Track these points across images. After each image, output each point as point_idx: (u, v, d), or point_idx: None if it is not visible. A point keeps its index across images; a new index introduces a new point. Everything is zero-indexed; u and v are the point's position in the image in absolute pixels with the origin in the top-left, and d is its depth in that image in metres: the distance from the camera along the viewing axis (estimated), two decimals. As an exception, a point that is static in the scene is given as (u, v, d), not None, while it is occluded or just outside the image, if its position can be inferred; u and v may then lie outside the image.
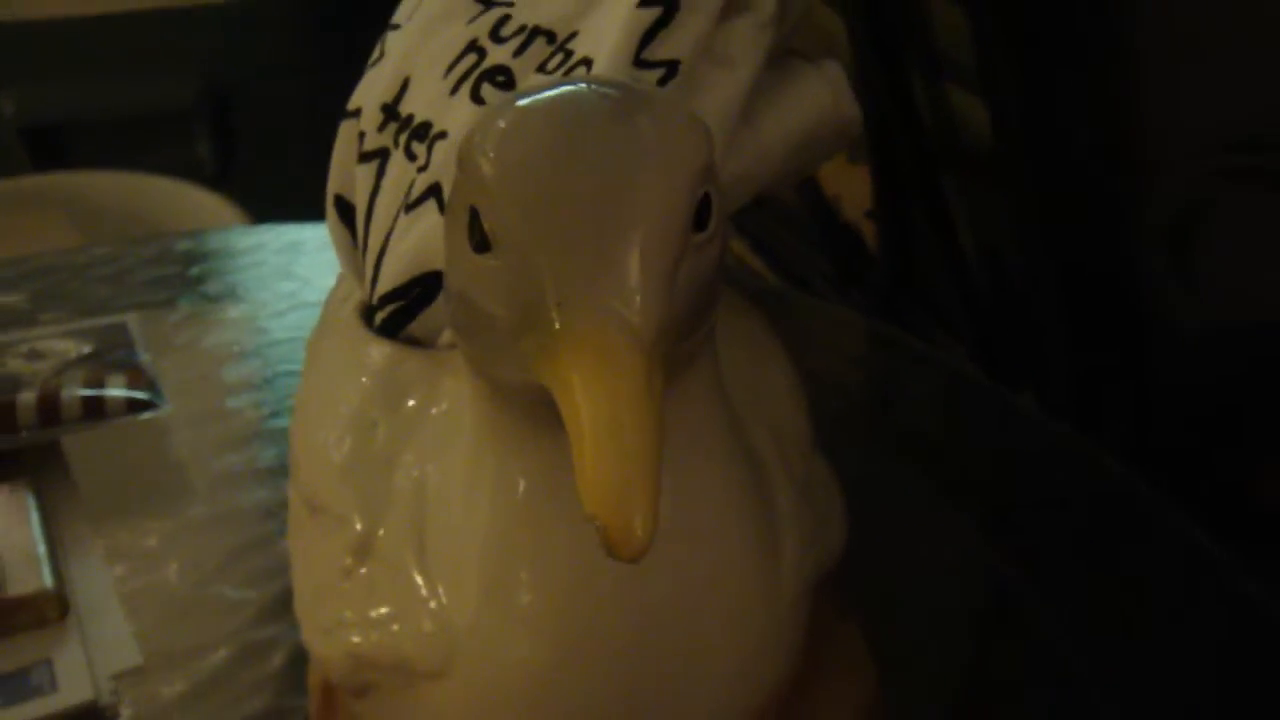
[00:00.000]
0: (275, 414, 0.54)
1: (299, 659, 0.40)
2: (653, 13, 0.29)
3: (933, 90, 0.58)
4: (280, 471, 0.50)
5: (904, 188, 0.65)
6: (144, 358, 0.54)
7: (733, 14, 0.30)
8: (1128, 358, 0.56)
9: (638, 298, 0.19)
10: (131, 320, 0.58)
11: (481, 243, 0.21)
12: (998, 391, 0.55)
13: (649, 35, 0.29)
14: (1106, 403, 0.58)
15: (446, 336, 0.30)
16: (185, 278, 0.66)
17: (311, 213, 0.74)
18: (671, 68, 0.29)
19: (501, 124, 0.22)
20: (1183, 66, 0.50)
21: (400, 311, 0.31)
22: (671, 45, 0.29)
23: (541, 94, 0.22)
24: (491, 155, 0.21)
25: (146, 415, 0.50)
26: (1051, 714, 0.37)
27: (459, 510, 0.26)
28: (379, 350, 0.31)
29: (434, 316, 0.30)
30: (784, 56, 0.33)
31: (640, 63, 0.29)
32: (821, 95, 0.32)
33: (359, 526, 0.28)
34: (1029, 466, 0.49)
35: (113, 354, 0.54)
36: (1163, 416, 0.57)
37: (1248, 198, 0.49)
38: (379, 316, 0.31)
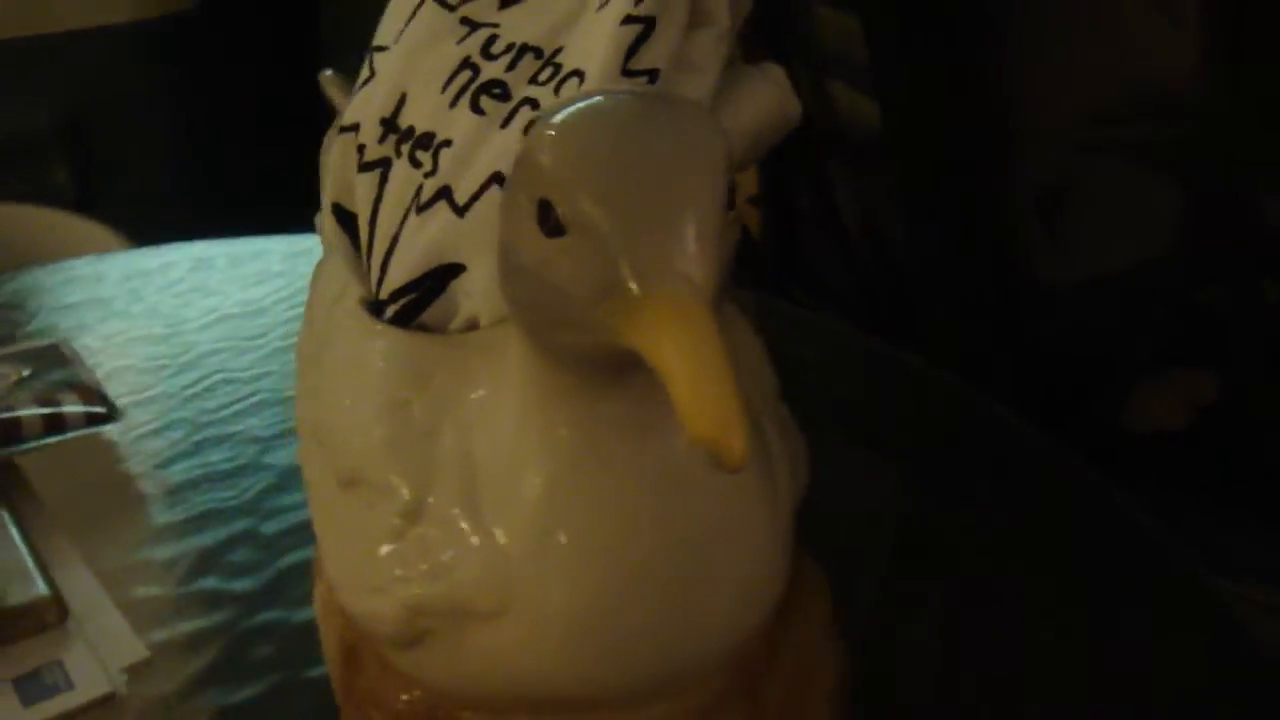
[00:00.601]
0: (218, 420, 0.56)
1: (297, 637, 0.42)
2: (635, 29, 0.33)
3: (815, 84, 0.63)
4: (236, 471, 0.52)
5: (789, 175, 0.70)
6: (89, 374, 0.56)
7: (696, 26, 0.34)
8: (1006, 314, 0.62)
9: (701, 263, 0.23)
10: (63, 341, 0.59)
11: (555, 228, 0.24)
12: (890, 352, 0.59)
13: (632, 49, 0.33)
14: (989, 356, 0.64)
15: (459, 322, 0.34)
16: (101, 300, 0.68)
17: (181, 234, 0.76)
18: (653, 76, 0.33)
19: (566, 128, 0.25)
20: (1049, 51, 0.56)
21: (413, 304, 0.34)
22: (652, 56, 0.33)
23: (593, 101, 0.26)
24: (563, 154, 0.25)
25: (106, 428, 0.52)
26: (964, 629, 0.42)
27: (507, 466, 0.29)
28: (397, 337, 0.34)
29: (444, 306, 0.34)
30: (731, 63, 0.37)
31: (627, 72, 0.33)
32: (769, 94, 0.36)
33: (406, 494, 0.31)
34: (928, 414, 0.54)
35: (53, 374, 0.56)
36: (1039, 363, 0.63)
37: (1108, 166, 0.55)
38: (391, 309, 0.34)
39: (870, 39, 0.58)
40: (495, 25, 0.36)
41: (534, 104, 0.33)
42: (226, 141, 1.31)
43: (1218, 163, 0.55)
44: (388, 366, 0.33)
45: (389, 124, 0.36)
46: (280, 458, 0.53)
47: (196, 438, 0.55)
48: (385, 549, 0.31)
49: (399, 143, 0.35)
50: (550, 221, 0.25)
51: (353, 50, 0.40)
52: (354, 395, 0.33)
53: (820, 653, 0.36)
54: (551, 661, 0.30)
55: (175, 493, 0.51)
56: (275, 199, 0.78)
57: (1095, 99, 0.55)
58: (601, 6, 0.34)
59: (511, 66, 0.34)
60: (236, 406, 0.57)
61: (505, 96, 0.34)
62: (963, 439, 0.52)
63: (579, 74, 0.33)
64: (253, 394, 0.58)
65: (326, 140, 0.40)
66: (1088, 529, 0.47)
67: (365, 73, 0.38)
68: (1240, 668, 0.41)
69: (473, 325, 0.33)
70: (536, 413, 0.29)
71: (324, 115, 0.41)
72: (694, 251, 0.23)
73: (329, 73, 0.44)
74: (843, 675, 0.36)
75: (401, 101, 0.36)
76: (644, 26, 0.33)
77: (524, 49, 0.35)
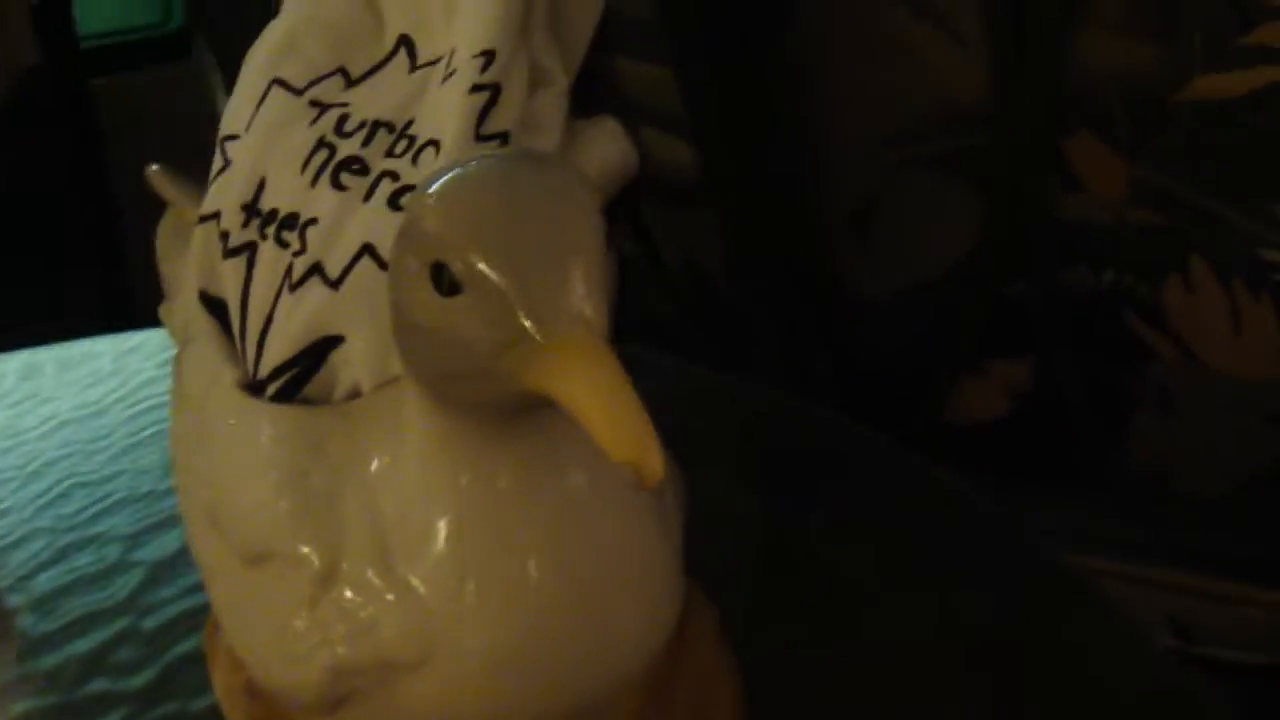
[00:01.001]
0: (78, 525, 0.55)
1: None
2: (483, 96, 0.34)
3: (629, 130, 0.66)
4: (105, 572, 0.52)
5: (610, 221, 0.73)
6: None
7: (537, 87, 0.36)
8: (831, 329, 0.66)
9: (593, 304, 0.25)
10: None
11: (452, 288, 0.26)
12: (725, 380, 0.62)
13: (482, 115, 0.34)
14: (812, 368, 0.67)
15: (341, 391, 0.34)
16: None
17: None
18: (504, 138, 0.35)
19: (448, 194, 0.27)
20: (849, 77, 0.60)
21: (294, 380, 0.35)
22: (500, 120, 0.35)
23: (468, 167, 0.27)
24: (449, 218, 0.26)
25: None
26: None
27: (414, 519, 0.31)
28: (284, 412, 0.35)
29: (325, 379, 0.35)
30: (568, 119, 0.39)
31: (480, 138, 0.34)
32: (609, 146, 0.38)
33: (317, 561, 0.32)
34: (761, 427, 0.57)
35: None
36: (867, 371, 0.67)
37: (912, 180, 0.59)
38: (272, 387, 0.35)
39: (677, 84, 0.61)
40: (345, 105, 0.37)
41: (394, 176, 0.35)
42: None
43: (1009, 168, 0.59)
44: (280, 441, 0.34)
45: (250, 209, 0.37)
46: (149, 553, 0.53)
47: (59, 544, 0.54)
48: (302, 618, 0.32)
49: (263, 226, 0.36)
50: (445, 283, 0.26)
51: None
52: (249, 474, 0.34)
53: (717, 667, 0.38)
54: (475, 703, 0.31)
55: (46, 602, 0.50)
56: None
57: (895, 118, 0.59)
58: (446, 79, 0.36)
59: (366, 142, 0.36)
60: (94, 509, 0.56)
61: (364, 171, 0.35)
62: (806, 454, 0.55)
63: (434, 143, 0.35)
64: (108, 494, 0.57)
65: (160, 231, 0.42)
66: (940, 524, 0.50)
67: (219, 162, 0.38)
68: (1116, 645, 0.44)
69: (355, 394, 0.34)
70: (437, 463, 0.30)
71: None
72: (585, 294, 0.25)
73: (156, 167, 0.44)
74: (738, 689, 0.38)
75: (261, 186, 0.37)
76: (491, 93, 0.35)
77: (376, 124, 0.36)
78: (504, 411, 0.28)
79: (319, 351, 0.34)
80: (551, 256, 0.26)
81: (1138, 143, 0.56)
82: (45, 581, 0.51)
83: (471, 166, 0.28)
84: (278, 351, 0.35)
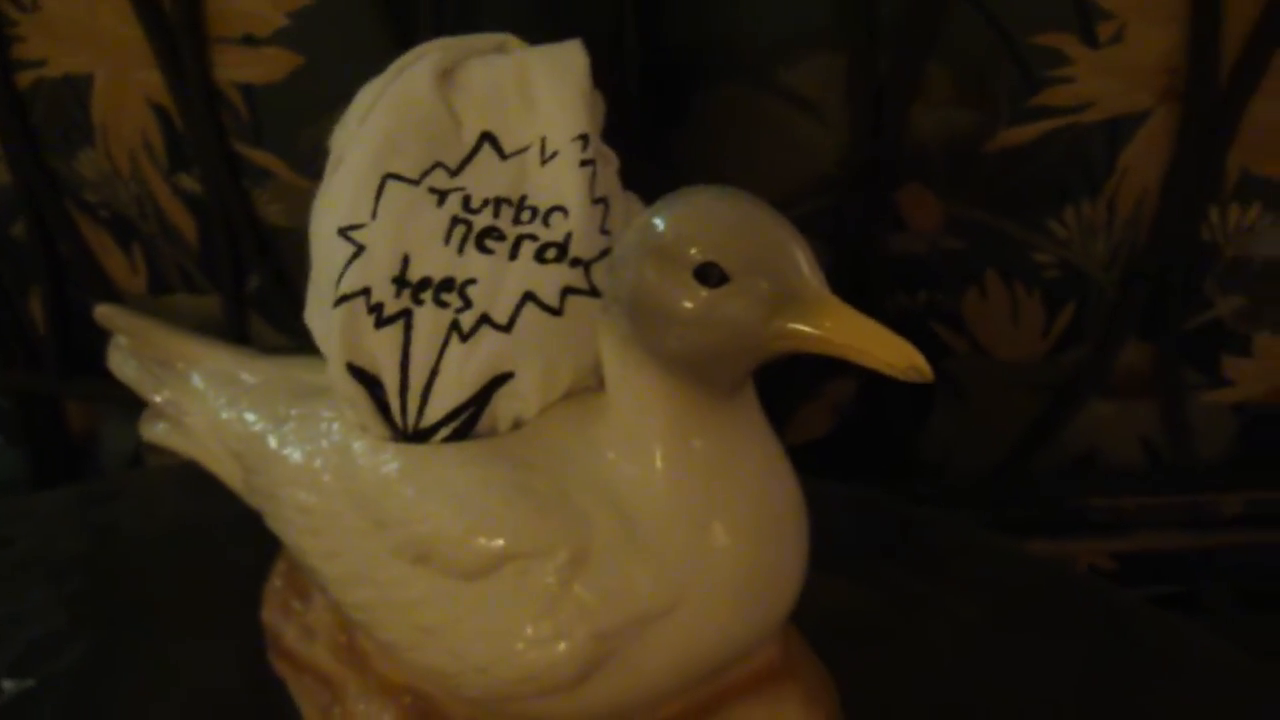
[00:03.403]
0: None
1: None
2: (590, 170, 0.42)
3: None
4: None
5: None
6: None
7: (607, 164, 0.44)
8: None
9: (821, 275, 0.34)
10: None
11: (720, 280, 0.33)
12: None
13: (591, 184, 0.42)
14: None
15: (505, 425, 0.40)
16: None
17: None
18: (606, 202, 0.42)
19: (703, 216, 0.35)
20: (736, 152, 0.68)
21: (469, 419, 0.40)
22: (602, 188, 0.43)
23: (694, 198, 0.36)
24: (715, 230, 0.34)
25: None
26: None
27: (653, 487, 0.37)
28: (474, 445, 0.39)
29: (488, 418, 0.40)
30: None
31: (595, 201, 0.42)
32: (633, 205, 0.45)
33: (569, 548, 0.37)
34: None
35: None
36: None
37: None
38: (446, 429, 0.40)
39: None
40: (462, 188, 0.43)
41: (532, 238, 0.42)
42: None
43: (855, 221, 0.72)
44: (487, 465, 0.39)
45: (400, 281, 0.41)
46: None
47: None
48: (555, 602, 0.37)
49: (415, 293, 0.41)
50: (714, 277, 0.34)
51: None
52: (460, 502, 0.38)
53: (815, 659, 0.46)
54: (708, 639, 0.38)
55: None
56: None
57: (767, 184, 0.68)
58: (548, 159, 0.43)
59: (496, 215, 0.42)
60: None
61: (501, 237, 0.42)
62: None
63: (559, 209, 0.42)
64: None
65: (117, 366, 0.49)
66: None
67: (346, 249, 0.42)
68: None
69: (518, 425, 0.40)
70: (671, 438, 0.37)
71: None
72: (815, 268, 0.34)
73: (105, 306, 0.50)
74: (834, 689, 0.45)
75: (406, 261, 0.41)
76: (593, 168, 0.43)
77: (498, 201, 0.43)
78: (730, 386, 0.36)
79: (488, 392, 0.40)
80: (791, 247, 0.34)
81: (954, 185, 0.71)
82: None
83: (697, 197, 0.36)
84: (452, 397, 0.40)
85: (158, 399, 0.49)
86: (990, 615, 0.57)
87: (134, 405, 0.81)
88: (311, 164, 0.71)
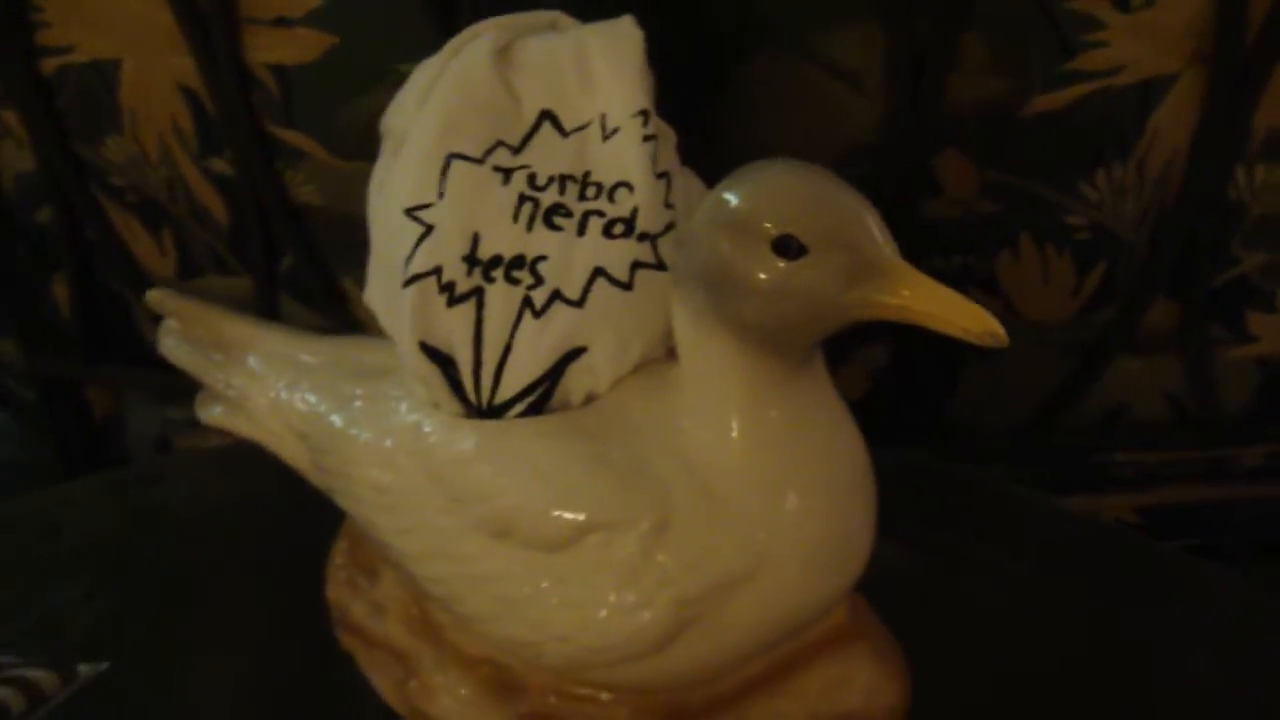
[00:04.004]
0: None
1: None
2: (652, 145, 0.43)
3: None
4: None
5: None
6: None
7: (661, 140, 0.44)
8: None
9: (893, 243, 0.35)
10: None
11: (799, 251, 0.34)
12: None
13: (653, 159, 0.43)
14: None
15: (576, 400, 0.40)
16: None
17: None
18: (668, 176, 0.43)
19: (781, 190, 0.35)
20: (771, 121, 0.68)
21: (543, 395, 0.40)
22: (663, 163, 0.43)
23: (766, 172, 0.36)
24: (794, 203, 0.35)
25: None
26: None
27: (731, 456, 0.38)
28: (551, 420, 0.40)
29: (561, 393, 0.40)
30: None
31: (658, 175, 0.43)
32: (695, 184, 0.46)
33: (651, 517, 0.37)
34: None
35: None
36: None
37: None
38: (521, 404, 0.40)
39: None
40: (526, 166, 0.43)
41: (599, 214, 0.42)
42: None
43: (893, 188, 0.72)
44: (564, 439, 0.39)
45: (471, 259, 0.42)
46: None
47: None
48: (635, 570, 0.37)
49: (486, 271, 0.41)
50: (793, 249, 0.34)
51: None
52: (541, 477, 0.39)
53: (883, 629, 0.46)
54: (788, 602, 0.39)
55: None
56: None
57: (805, 154, 0.68)
58: (609, 136, 0.43)
59: (561, 192, 0.43)
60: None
61: (569, 214, 0.42)
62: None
63: (625, 184, 0.43)
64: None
65: (170, 349, 0.49)
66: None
67: (415, 230, 0.42)
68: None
69: (591, 399, 0.41)
70: (746, 407, 0.37)
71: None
72: (888, 237, 0.35)
73: (157, 290, 0.50)
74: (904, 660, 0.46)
75: (475, 239, 0.42)
76: (655, 144, 0.43)
77: (563, 178, 0.43)
78: (798, 358, 0.37)
79: (561, 367, 0.40)
80: (862, 218, 0.35)
81: (989, 151, 0.72)
82: None
83: (768, 174, 0.36)
84: (526, 372, 0.41)
85: (215, 382, 0.49)
86: (1038, 571, 0.58)
87: (158, 390, 0.82)
88: (346, 143, 0.72)
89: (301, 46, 0.72)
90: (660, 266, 0.41)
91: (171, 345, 0.50)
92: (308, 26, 0.72)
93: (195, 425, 0.93)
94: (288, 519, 0.57)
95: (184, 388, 0.91)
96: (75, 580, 0.58)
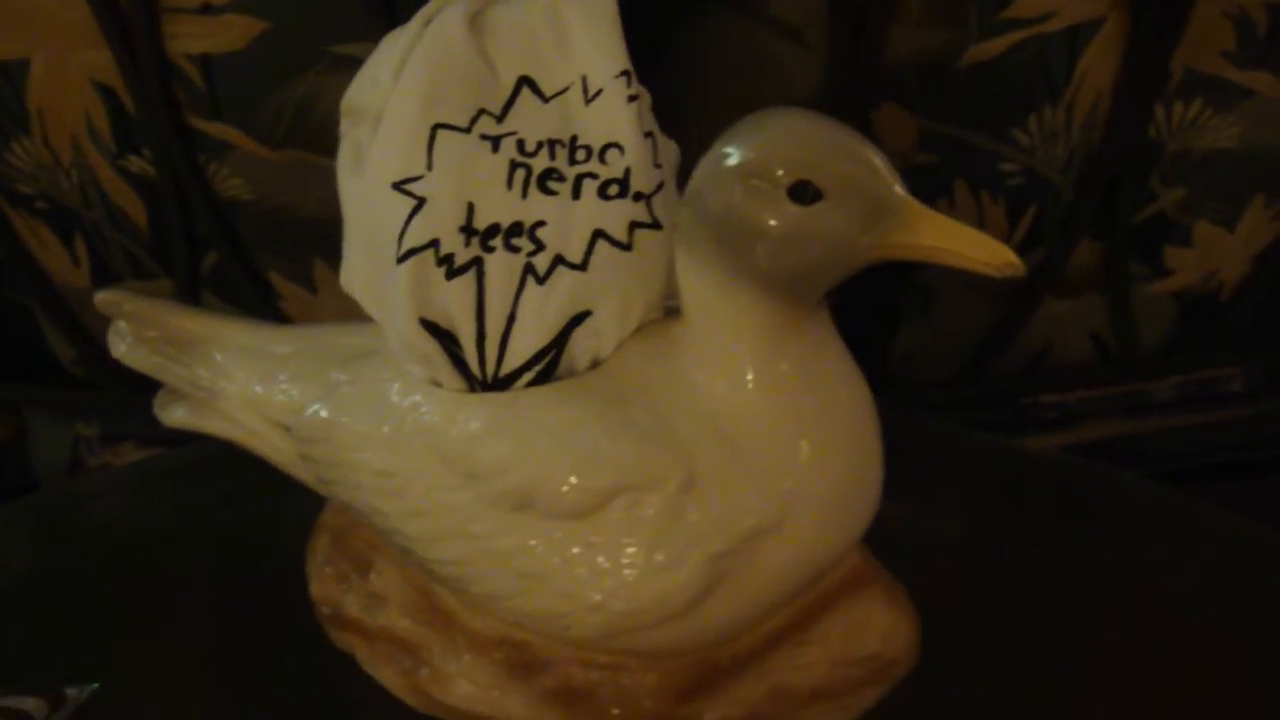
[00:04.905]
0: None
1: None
2: (636, 104, 0.43)
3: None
4: None
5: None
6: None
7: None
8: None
9: (903, 184, 0.35)
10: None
11: (815, 197, 0.35)
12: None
13: (639, 118, 0.43)
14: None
15: (582, 366, 0.41)
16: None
17: None
18: (651, 135, 0.43)
19: (795, 135, 0.36)
20: (714, 83, 0.68)
21: (551, 361, 0.40)
22: (646, 123, 0.43)
23: (777, 119, 0.36)
24: (807, 148, 0.35)
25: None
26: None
27: (752, 409, 0.38)
28: (563, 387, 0.40)
29: (566, 360, 0.41)
30: None
31: (644, 135, 0.43)
32: (671, 148, 0.46)
33: (677, 476, 0.38)
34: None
35: None
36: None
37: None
38: (530, 373, 0.40)
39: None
40: (513, 132, 0.43)
41: (592, 176, 0.42)
42: None
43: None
44: (579, 404, 0.39)
45: (468, 230, 0.41)
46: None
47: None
48: (664, 530, 0.37)
49: (484, 240, 0.41)
50: (809, 195, 0.35)
51: None
52: (561, 444, 0.38)
53: (895, 584, 0.46)
54: (812, 552, 0.39)
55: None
56: None
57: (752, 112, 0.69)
58: (593, 98, 0.43)
59: (552, 157, 0.42)
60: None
61: (561, 178, 0.42)
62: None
63: (614, 145, 0.42)
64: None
65: (123, 353, 0.47)
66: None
67: (406, 204, 0.41)
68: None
69: (597, 364, 0.41)
70: (760, 359, 0.38)
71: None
72: (899, 179, 0.36)
73: (106, 292, 0.47)
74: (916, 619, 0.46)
75: (470, 209, 0.41)
76: (640, 103, 0.43)
77: (551, 143, 0.43)
78: (810, 305, 0.38)
79: (567, 333, 0.41)
80: (873, 160, 0.36)
81: (926, 103, 0.73)
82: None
83: (777, 121, 0.37)
84: (532, 340, 0.41)
85: (178, 382, 0.47)
86: (997, 506, 0.59)
87: (64, 408, 0.78)
88: (276, 132, 0.70)
89: (229, 34, 0.70)
90: (656, 225, 0.41)
91: (124, 348, 0.48)
92: (236, 12, 0.69)
93: (108, 441, 0.90)
94: (235, 526, 0.57)
95: (92, 403, 0.88)
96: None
